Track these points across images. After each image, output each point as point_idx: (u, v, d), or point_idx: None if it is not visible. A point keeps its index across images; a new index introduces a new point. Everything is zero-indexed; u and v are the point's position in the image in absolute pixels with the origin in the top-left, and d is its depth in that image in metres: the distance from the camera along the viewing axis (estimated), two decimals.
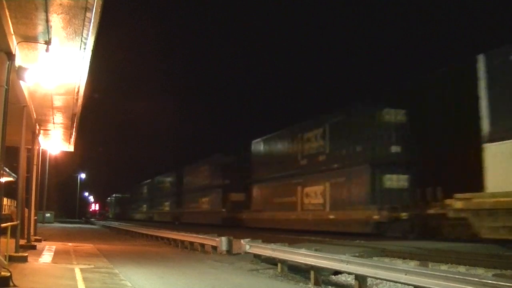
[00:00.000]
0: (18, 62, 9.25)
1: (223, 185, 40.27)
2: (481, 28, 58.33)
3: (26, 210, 17.71)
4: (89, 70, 10.53)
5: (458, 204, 14.60)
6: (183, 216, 50.87)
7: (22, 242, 14.66)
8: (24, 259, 11.68)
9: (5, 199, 19.56)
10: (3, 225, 10.18)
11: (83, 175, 79.76)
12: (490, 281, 6.10)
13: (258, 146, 35.06)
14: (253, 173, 35.13)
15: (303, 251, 10.98)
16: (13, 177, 22.33)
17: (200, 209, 46.05)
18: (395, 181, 21.49)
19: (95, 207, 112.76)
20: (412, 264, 10.19)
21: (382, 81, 62.36)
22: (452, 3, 71.79)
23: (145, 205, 73.18)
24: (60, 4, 7.56)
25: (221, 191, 40.43)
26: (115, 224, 45.33)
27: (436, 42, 71.23)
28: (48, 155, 23.44)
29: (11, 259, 10.81)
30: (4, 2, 7.51)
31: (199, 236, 18.71)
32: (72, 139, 19.28)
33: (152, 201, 68.09)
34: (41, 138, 18.09)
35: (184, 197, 52.24)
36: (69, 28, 8.36)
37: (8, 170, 21.36)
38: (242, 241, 14.48)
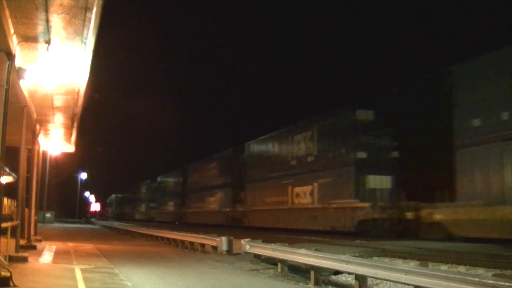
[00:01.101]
0: (18, 62, 9.27)
1: (356, 162, 23.01)
2: (481, 28, 58.31)
3: (26, 210, 17.72)
4: (89, 70, 10.54)
5: None
6: (249, 217, 34.17)
7: (22, 242, 14.66)
8: (24, 259, 11.67)
9: (5, 199, 19.58)
10: (3, 225, 10.18)
11: (83, 175, 79.60)
12: (490, 281, 6.10)
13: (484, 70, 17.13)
14: (464, 126, 17.58)
15: (303, 251, 10.98)
16: (13, 177, 22.34)
17: (291, 206, 28.19)
18: None
19: (95, 207, 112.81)
20: (412, 264, 10.19)
21: (382, 81, 62.26)
22: (452, 3, 71.74)
23: (171, 203, 57.95)
24: (61, 4, 7.57)
25: (353, 172, 23.02)
26: (115, 224, 45.32)
27: (436, 42, 71.13)
28: (48, 155, 23.46)
29: (11, 259, 10.81)
30: (4, 2, 7.53)
31: (199, 236, 18.71)
32: (73, 139, 19.29)
33: (185, 197, 51.71)
34: (41, 138, 18.10)
35: (250, 188, 34.28)
36: (69, 28, 8.38)
37: (8, 170, 21.38)
38: (242, 241, 14.47)
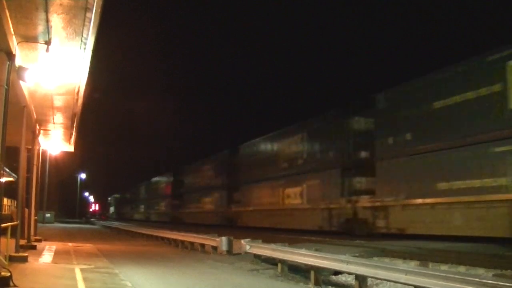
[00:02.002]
0: (18, 62, 9.26)
1: None
2: (481, 28, 58.30)
3: (26, 210, 17.72)
4: (89, 70, 10.54)
5: None
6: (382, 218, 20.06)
7: (22, 242, 14.66)
8: (24, 259, 11.67)
9: (5, 199, 19.60)
10: (3, 225, 10.19)
11: (83, 175, 79.48)
12: (490, 281, 6.10)
13: None
14: None
15: (303, 251, 10.98)
16: (13, 177, 22.35)
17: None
18: None
19: (95, 207, 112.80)
20: (412, 264, 10.20)
21: (382, 81, 62.20)
22: (452, 3, 71.71)
23: (208, 199, 44.12)
24: (60, 4, 7.57)
25: None
26: (115, 224, 45.35)
27: (435, 42, 71.11)
28: (48, 155, 23.47)
29: (11, 259, 10.81)
30: (4, 2, 7.52)
31: (199, 236, 18.72)
32: (72, 139, 19.29)
33: (233, 190, 37.93)
34: (41, 138, 18.10)
35: (385, 168, 20.19)
36: (69, 28, 8.37)
37: (8, 170, 21.38)
38: (242, 241, 14.49)
